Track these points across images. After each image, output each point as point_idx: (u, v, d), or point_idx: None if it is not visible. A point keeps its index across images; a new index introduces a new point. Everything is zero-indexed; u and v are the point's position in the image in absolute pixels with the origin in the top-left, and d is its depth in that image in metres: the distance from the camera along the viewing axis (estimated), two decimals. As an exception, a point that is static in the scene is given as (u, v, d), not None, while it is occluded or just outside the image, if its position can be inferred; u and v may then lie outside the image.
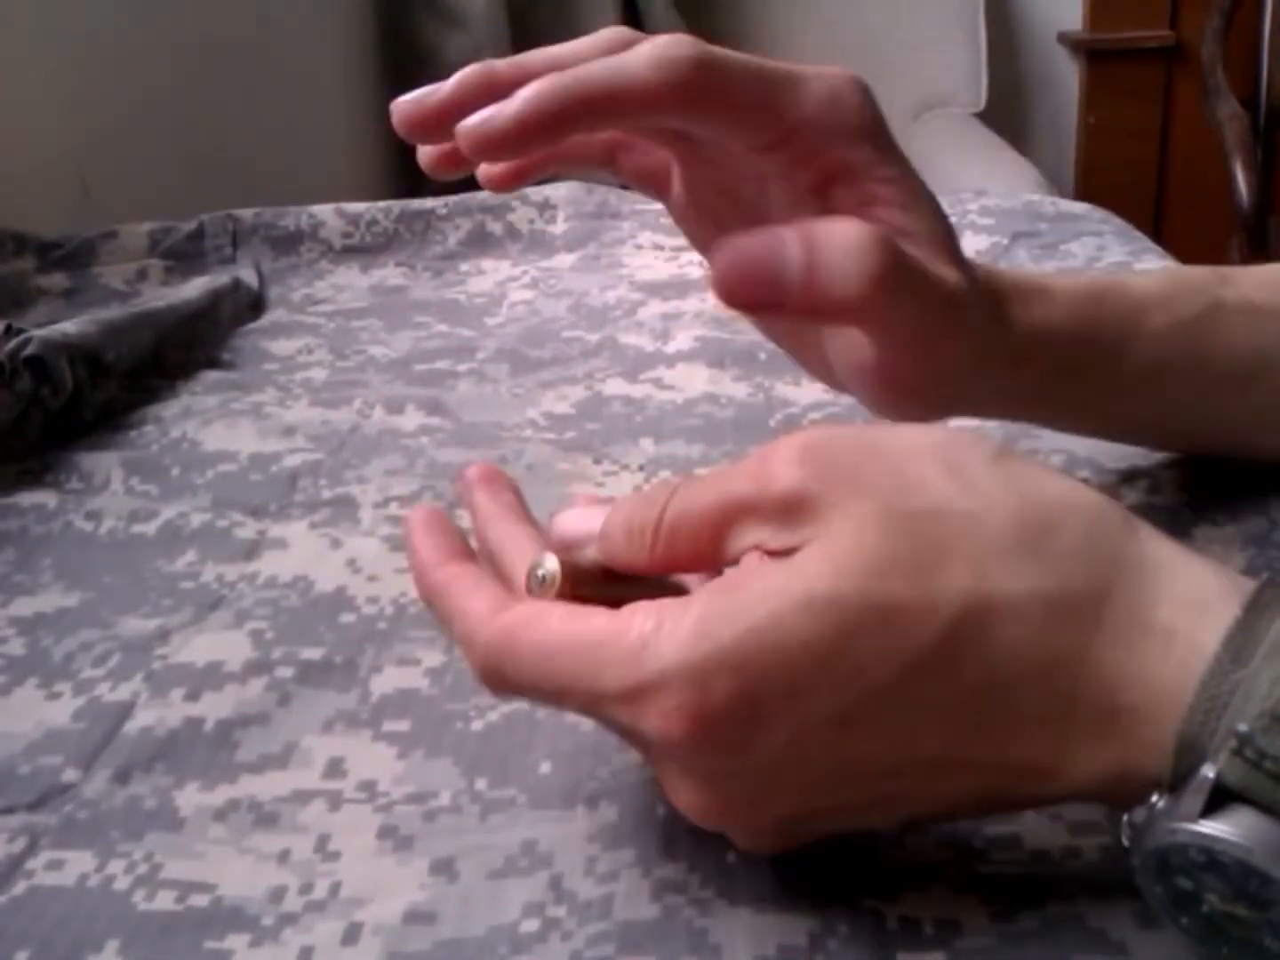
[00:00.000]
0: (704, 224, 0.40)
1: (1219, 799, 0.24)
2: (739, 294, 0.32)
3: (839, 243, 0.32)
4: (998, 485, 0.27)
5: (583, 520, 0.32)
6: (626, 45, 0.34)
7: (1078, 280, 0.41)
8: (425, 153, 0.37)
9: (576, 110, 0.32)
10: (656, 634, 0.26)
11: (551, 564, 0.30)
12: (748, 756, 0.27)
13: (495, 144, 0.32)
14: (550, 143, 0.33)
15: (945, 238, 0.36)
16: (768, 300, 0.32)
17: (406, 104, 0.34)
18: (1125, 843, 0.26)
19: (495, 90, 0.33)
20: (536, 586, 0.30)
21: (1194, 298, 0.42)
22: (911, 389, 0.37)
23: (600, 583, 0.30)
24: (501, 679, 0.29)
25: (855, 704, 0.26)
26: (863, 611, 0.25)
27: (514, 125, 0.31)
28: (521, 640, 0.28)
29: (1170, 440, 0.47)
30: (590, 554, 0.31)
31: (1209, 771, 0.24)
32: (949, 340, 0.36)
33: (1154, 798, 0.25)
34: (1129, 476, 0.49)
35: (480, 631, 0.29)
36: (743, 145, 0.35)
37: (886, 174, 0.35)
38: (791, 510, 0.27)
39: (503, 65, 0.34)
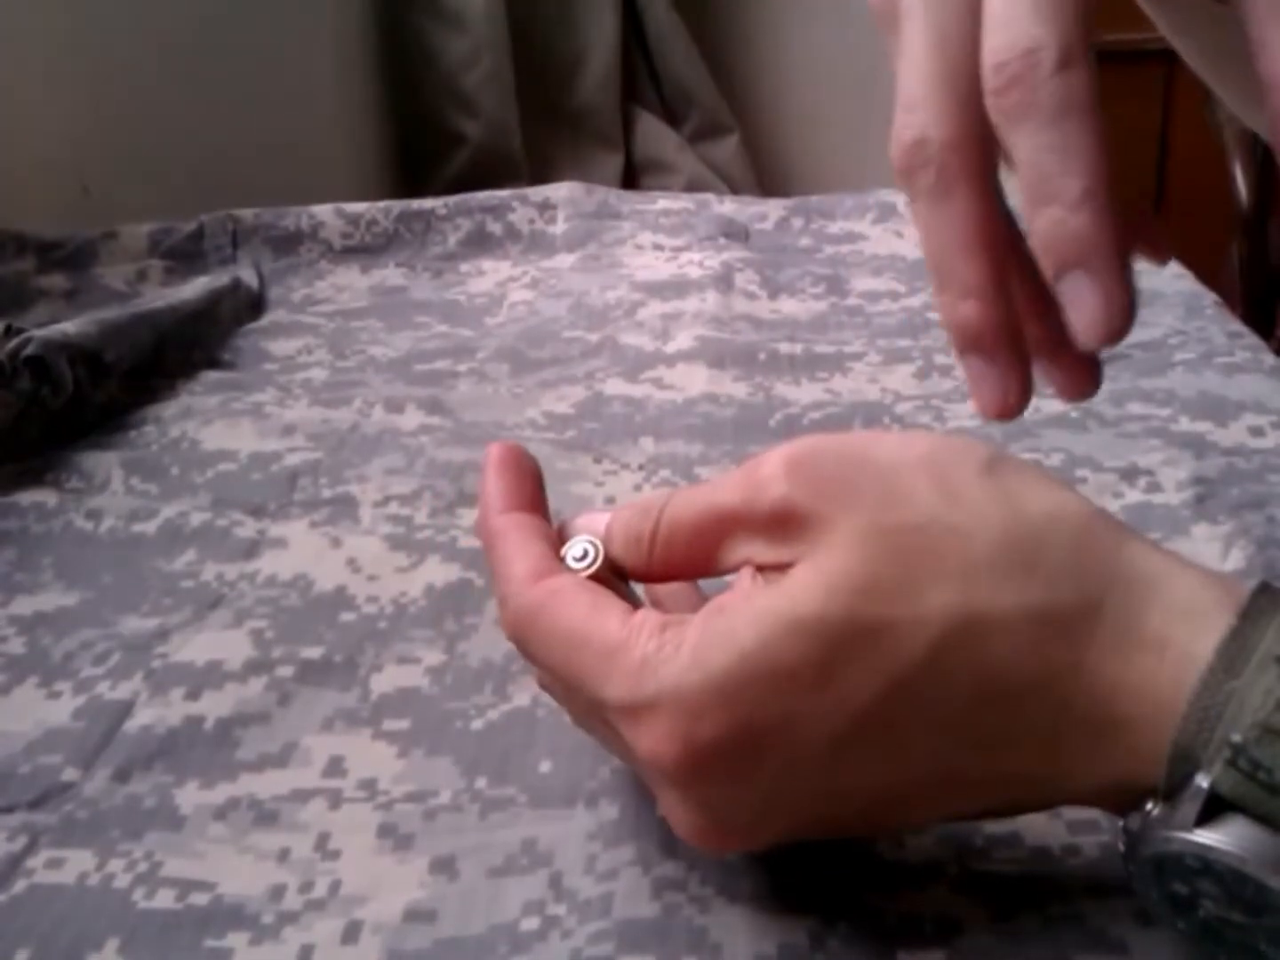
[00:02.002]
0: None
1: (1214, 807, 0.24)
2: None
3: None
4: (988, 499, 0.27)
5: (588, 524, 0.32)
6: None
7: None
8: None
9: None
10: (656, 656, 0.27)
11: (589, 545, 0.30)
12: (741, 784, 0.27)
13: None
14: None
15: None
16: None
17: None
18: (1122, 849, 0.26)
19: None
20: (574, 564, 0.30)
21: None
22: None
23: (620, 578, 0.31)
24: (525, 651, 0.30)
25: (847, 726, 0.26)
26: (851, 632, 0.26)
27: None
28: (545, 620, 0.29)
29: None
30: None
31: (1203, 781, 0.24)
32: None
33: (1149, 805, 0.25)
34: (1129, 476, 0.49)
35: (514, 598, 0.30)
36: None
37: None
38: (780, 525, 0.27)
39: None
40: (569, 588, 0.29)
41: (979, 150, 0.27)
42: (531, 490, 0.33)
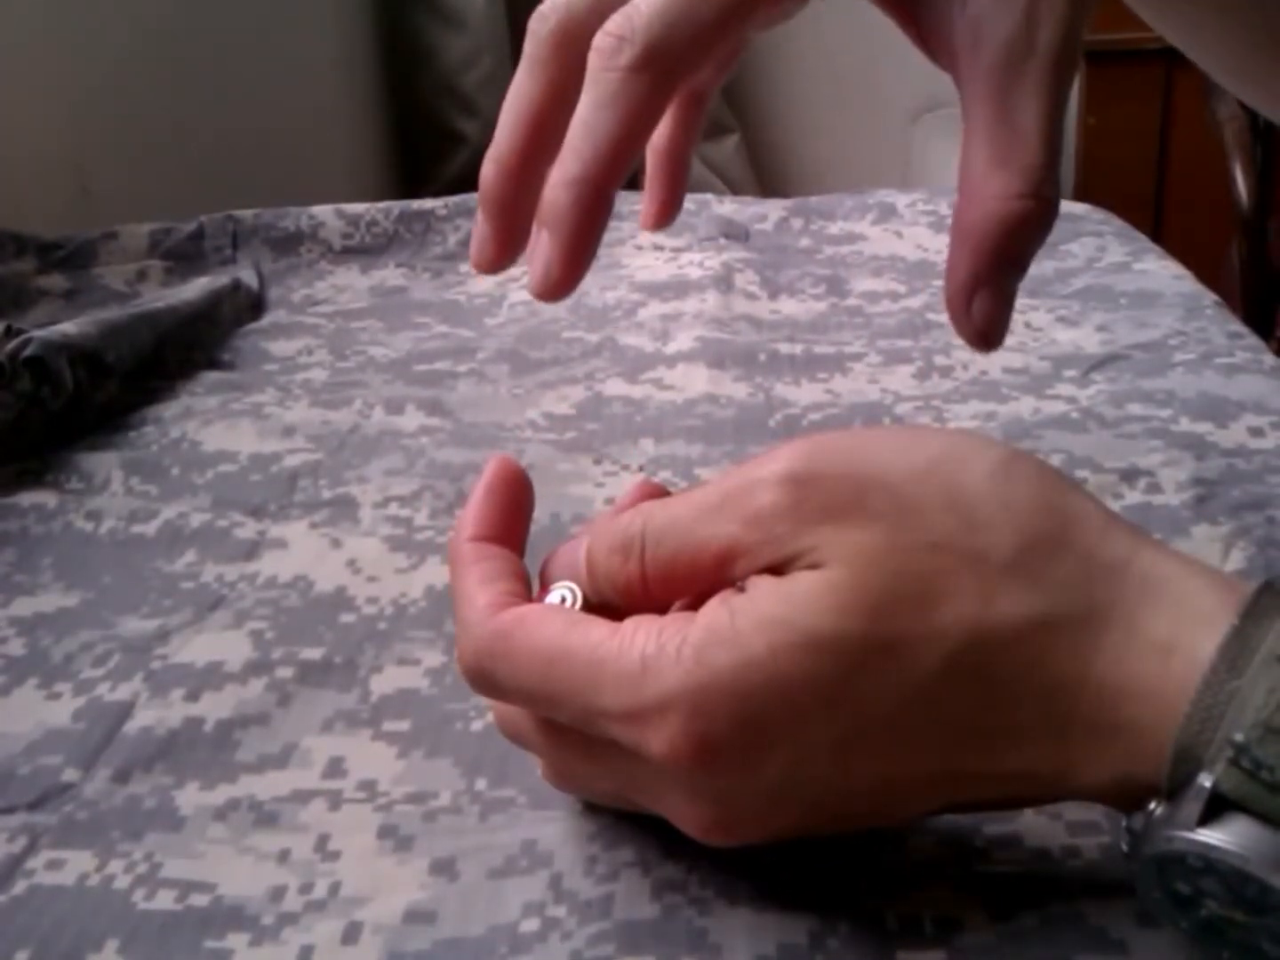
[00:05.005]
0: None
1: (1216, 807, 0.24)
2: None
3: None
4: (997, 509, 0.27)
5: (568, 558, 0.31)
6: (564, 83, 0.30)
7: None
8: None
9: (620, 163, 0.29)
10: (658, 658, 0.26)
11: (566, 591, 0.30)
12: (752, 776, 0.27)
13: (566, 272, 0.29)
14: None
15: None
16: None
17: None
18: (1124, 848, 0.26)
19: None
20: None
21: None
22: None
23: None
24: (489, 678, 0.29)
25: (855, 730, 0.26)
26: (866, 649, 0.26)
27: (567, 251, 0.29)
28: (518, 642, 0.28)
29: None
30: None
31: (1205, 781, 0.24)
32: None
33: (1152, 805, 0.25)
34: (1129, 477, 0.49)
35: (476, 627, 0.29)
36: None
37: None
38: (788, 554, 0.27)
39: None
40: (538, 610, 0.29)
41: (571, 49, 0.30)
42: (513, 521, 0.32)
